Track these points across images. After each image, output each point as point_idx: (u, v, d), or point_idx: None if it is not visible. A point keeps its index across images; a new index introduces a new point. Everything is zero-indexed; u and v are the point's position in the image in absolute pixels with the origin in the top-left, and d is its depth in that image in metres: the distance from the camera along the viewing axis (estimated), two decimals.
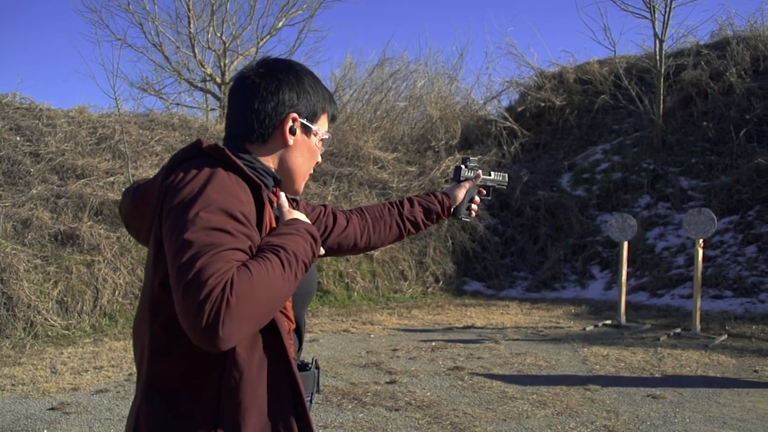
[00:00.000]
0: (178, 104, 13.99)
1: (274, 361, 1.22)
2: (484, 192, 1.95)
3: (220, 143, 1.30)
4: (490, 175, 1.95)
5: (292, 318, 1.34)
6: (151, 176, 1.37)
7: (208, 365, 1.18)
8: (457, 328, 7.55)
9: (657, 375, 5.37)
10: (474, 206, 1.91)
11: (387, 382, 5.10)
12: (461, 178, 1.88)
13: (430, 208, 1.83)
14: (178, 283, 1.06)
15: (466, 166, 1.88)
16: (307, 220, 1.34)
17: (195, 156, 1.25)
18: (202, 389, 1.18)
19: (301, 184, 1.43)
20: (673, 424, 4.15)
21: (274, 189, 1.39)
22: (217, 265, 1.06)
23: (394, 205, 1.81)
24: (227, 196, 1.16)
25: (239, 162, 1.24)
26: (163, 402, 1.20)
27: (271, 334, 1.21)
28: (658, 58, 12.14)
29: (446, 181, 12.41)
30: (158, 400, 1.21)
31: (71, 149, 9.93)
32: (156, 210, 1.24)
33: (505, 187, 2.03)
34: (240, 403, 1.17)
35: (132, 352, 1.38)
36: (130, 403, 1.38)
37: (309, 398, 1.32)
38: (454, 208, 1.87)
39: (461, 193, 1.88)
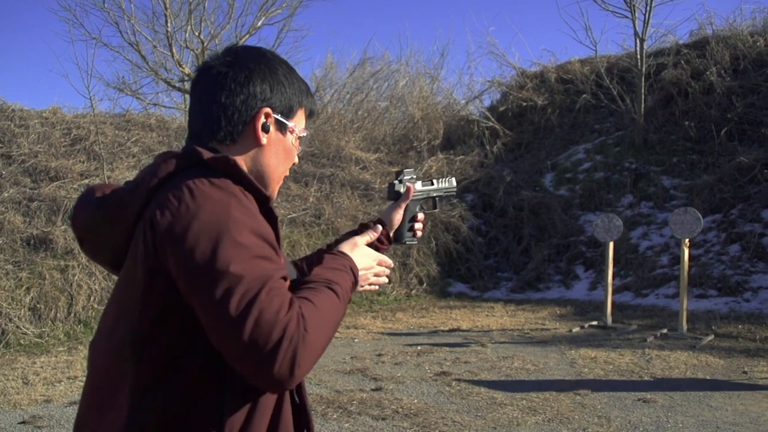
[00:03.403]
0: (155, 105, 13.61)
1: (277, 396, 1.11)
2: (430, 205, 1.68)
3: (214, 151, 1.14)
4: (432, 184, 1.68)
5: None
6: (121, 180, 1.18)
7: (203, 403, 1.03)
8: (443, 331, 7.43)
9: (646, 378, 5.30)
10: (418, 225, 1.65)
11: (373, 389, 4.96)
12: (396, 197, 1.60)
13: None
14: (235, 323, 0.95)
15: (400, 181, 1.60)
16: (351, 254, 1.27)
17: (188, 167, 1.09)
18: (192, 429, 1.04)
19: (275, 189, 1.27)
20: (666, 429, 4.07)
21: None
22: (280, 298, 0.98)
23: (322, 253, 1.61)
24: (251, 216, 1.03)
25: (247, 173, 1.09)
26: None
27: None
28: (639, 57, 12.15)
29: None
30: None
31: (44, 151, 9.66)
32: (138, 231, 1.05)
33: (454, 194, 1.77)
34: None
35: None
36: None
37: None
38: (393, 234, 1.61)
39: (398, 216, 1.59)
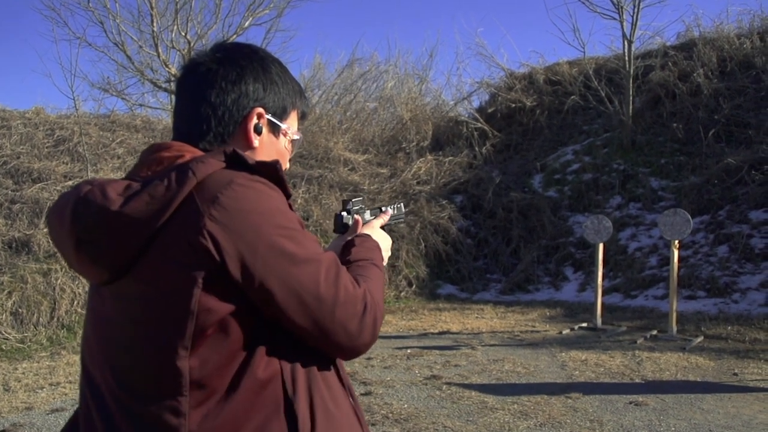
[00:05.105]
0: (141, 105, 13.45)
1: (338, 392, 1.09)
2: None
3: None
4: (381, 212, 1.57)
5: None
6: (115, 179, 1.06)
7: (269, 400, 0.99)
8: (432, 333, 7.37)
9: (638, 380, 5.26)
10: None
11: (362, 394, 4.89)
12: (343, 230, 1.47)
13: None
14: (327, 302, 1.01)
15: (347, 212, 1.47)
16: (372, 235, 1.37)
17: (226, 167, 1.02)
18: None
19: None
20: None
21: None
22: (349, 275, 1.07)
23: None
24: (293, 211, 1.06)
25: (284, 176, 1.07)
26: None
27: (324, 361, 1.09)
28: (626, 59, 12.17)
29: (418, 183, 12.26)
30: None
31: (27, 152, 9.51)
32: (173, 235, 0.95)
33: (402, 220, 1.66)
34: None
35: None
36: None
37: None
38: None
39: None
